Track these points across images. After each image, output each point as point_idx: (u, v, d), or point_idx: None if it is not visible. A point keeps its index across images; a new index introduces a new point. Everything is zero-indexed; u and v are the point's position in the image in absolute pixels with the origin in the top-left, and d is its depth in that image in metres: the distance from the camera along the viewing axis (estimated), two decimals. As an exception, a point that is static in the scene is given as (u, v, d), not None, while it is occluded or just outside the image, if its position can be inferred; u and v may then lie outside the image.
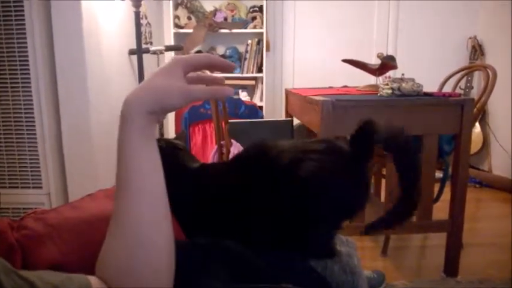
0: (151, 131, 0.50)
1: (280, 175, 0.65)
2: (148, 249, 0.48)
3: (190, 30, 3.36)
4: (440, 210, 1.83)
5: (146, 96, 0.49)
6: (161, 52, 2.79)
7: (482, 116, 3.33)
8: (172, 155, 0.83)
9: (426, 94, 1.67)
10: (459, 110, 1.59)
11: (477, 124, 3.31)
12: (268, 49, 3.49)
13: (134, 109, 0.49)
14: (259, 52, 3.46)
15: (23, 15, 1.72)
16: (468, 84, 3.34)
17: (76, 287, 0.43)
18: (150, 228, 0.48)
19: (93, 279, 0.46)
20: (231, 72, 0.59)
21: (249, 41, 3.45)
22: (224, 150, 2.12)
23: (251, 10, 3.50)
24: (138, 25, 2.31)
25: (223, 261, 0.62)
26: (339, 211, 0.67)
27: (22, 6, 1.71)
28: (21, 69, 1.76)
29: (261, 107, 3.40)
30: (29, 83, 1.77)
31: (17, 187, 1.84)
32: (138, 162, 0.49)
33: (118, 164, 0.50)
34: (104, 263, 0.49)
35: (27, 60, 1.75)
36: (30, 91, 1.78)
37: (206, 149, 2.91)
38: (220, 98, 0.53)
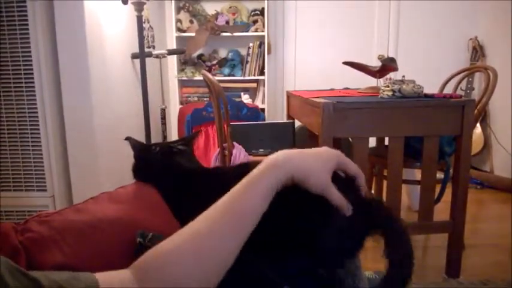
0: (278, 188, 0.54)
1: (288, 190, 0.65)
2: (206, 275, 0.49)
3: (193, 34, 3.37)
4: (442, 211, 1.84)
5: (300, 165, 0.55)
6: (164, 56, 2.81)
7: (483, 117, 3.33)
8: (167, 159, 0.84)
9: (427, 96, 1.68)
10: (460, 111, 1.59)
11: (478, 125, 3.31)
12: (269, 52, 3.50)
13: (286, 166, 0.54)
14: (261, 55, 3.47)
15: (27, 19, 1.74)
16: (469, 86, 3.34)
17: (83, 286, 0.43)
18: (226, 257, 0.51)
19: (100, 276, 0.46)
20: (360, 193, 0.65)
21: (251, 44, 3.46)
22: (226, 152, 2.13)
23: (252, 13, 3.51)
24: (140, 29, 2.33)
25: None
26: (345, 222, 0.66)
27: (25, 10, 1.73)
28: (25, 73, 1.78)
29: (262, 110, 3.41)
30: (33, 86, 1.79)
31: (22, 190, 1.85)
32: (255, 206, 0.53)
33: (241, 194, 0.53)
34: (157, 266, 0.48)
35: (31, 65, 1.77)
36: (34, 94, 1.79)
37: (208, 151, 2.93)
38: (343, 210, 0.57)
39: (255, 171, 0.55)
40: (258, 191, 0.53)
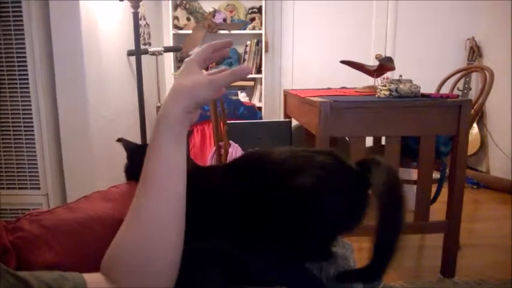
0: (182, 133, 0.53)
1: (277, 184, 0.65)
2: (160, 249, 0.49)
3: (190, 31, 3.36)
4: (438, 211, 1.84)
5: (179, 96, 0.53)
6: (160, 53, 2.79)
7: (480, 117, 3.34)
8: None
9: (423, 95, 1.68)
10: (457, 111, 1.59)
11: (475, 125, 3.32)
12: (267, 50, 3.49)
13: (170, 109, 0.52)
14: (258, 53, 3.46)
15: (21, 17, 1.72)
16: (466, 86, 3.35)
17: (71, 285, 0.43)
18: (166, 228, 0.50)
19: (88, 277, 0.46)
20: (231, 45, 0.65)
21: (248, 42, 3.46)
22: (223, 151, 2.12)
23: (250, 11, 3.50)
24: (136, 26, 2.31)
25: (219, 264, 0.62)
26: (333, 226, 0.66)
27: (20, 7, 1.71)
28: (19, 70, 1.76)
29: (259, 108, 3.40)
30: (27, 83, 1.77)
31: (15, 188, 1.84)
32: (167, 163, 0.51)
33: (147, 162, 0.52)
34: (112, 258, 0.49)
35: (25, 61, 1.76)
36: (29, 92, 1.78)
37: (205, 150, 2.92)
38: (243, 76, 0.56)
39: (153, 138, 0.53)
40: (167, 153, 0.52)
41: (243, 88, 3.56)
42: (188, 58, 0.58)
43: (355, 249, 0.81)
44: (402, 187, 0.59)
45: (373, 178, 0.62)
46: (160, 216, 0.50)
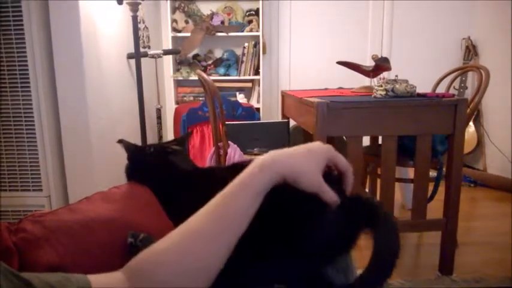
0: (268, 189, 0.54)
1: (277, 186, 0.66)
2: (196, 278, 0.50)
3: (188, 34, 3.37)
4: (435, 210, 1.85)
5: (289, 167, 0.55)
6: (159, 56, 2.81)
7: (476, 115, 3.35)
8: (162, 160, 0.85)
9: (419, 95, 1.69)
10: (452, 110, 1.61)
11: (471, 123, 3.34)
12: (264, 52, 3.51)
13: (276, 167, 0.54)
14: (256, 55, 3.48)
15: (22, 20, 1.73)
16: (462, 85, 3.36)
17: (75, 287, 0.44)
18: (215, 259, 0.51)
19: (93, 278, 0.46)
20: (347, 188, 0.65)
21: (246, 44, 3.47)
22: (222, 152, 2.14)
23: (247, 13, 3.52)
24: (135, 29, 2.32)
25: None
26: (332, 231, 0.67)
27: (20, 10, 1.73)
28: (20, 73, 1.78)
29: (258, 109, 3.42)
30: (28, 86, 1.79)
31: (17, 190, 1.85)
32: (240, 210, 0.53)
33: (231, 196, 0.53)
34: (148, 267, 0.49)
35: (26, 65, 1.77)
36: (30, 94, 1.79)
37: (204, 150, 2.93)
38: (331, 203, 0.57)
39: (244, 173, 0.55)
40: (247, 193, 0.53)
41: (241, 89, 3.58)
42: (327, 149, 0.59)
43: (355, 248, 0.82)
44: (399, 243, 0.58)
45: (376, 232, 0.60)
46: (220, 246, 0.51)
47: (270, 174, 0.54)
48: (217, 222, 0.52)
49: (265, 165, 0.55)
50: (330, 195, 0.57)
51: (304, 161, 0.56)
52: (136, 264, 0.50)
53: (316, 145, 0.59)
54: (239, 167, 0.75)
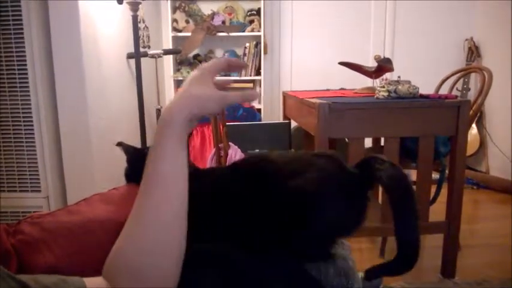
0: (185, 138, 0.54)
1: (277, 187, 0.65)
2: (162, 254, 0.49)
3: (189, 34, 3.37)
4: (437, 212, 1.84)
5: (186, 103, 0.54)
6: (159, 56, 2.80)
7: (479, 117, 3.34)
8: None
9: (422, 96, 1.68)
10: (455, 112, 1.60)
11: (474, 125, 3.33)
12: (265, 52, 3.50)
13: (176, 115, 0.53)
14: (257, 55, 3.47)
15: (21, 19, 1.73)
16: (465, 86, 3.35)
17: None
18: (167, 233, 0.50)
19: (88, 281, 0.46)
20: (245, 69, 0.67)
21: (247, 44, 3.46)
22: (222, 153, 2.12)
23: (249, 13, 3.51)
24: (136, 29, 2.32)
25: (218, 266, 0.62)
26: (332, 229, 0.67)
27: (20, 10, 1.72)
28: (19, 73, 1.77)
29: (259, 110, 3.41)
30: (27, 87, 1.78)
31: (16, 191, 1.84)
32: (169, 167, 0.52)
33: (149, 165, 0.52)
34: (114, 263, 0.49)
35: (25, 64, 1.76)
36: (29, 94, 1.78)
37: (204, 151, 2.92)
38: (251, 100, 0.58)
39: (154, 140, 0.54)
40: (166, 158, 0.52)
41: (242, 90, 3.57)
42: (202, 66, 0.59)
43: (355, 250, 0.82)
44: (407, 177, 0.61)
45: (378, 174, 0.63)
46: (163, 218, 0.50)
47: (173, 126, 0.53)
48: (154, 195, 0.51)
49: (166, 120, 0.53)
50: (236, 96, 0.56)
51: (193, 90, 0.55)
52: (106, 265, 0.50)
53: (192, 73, 0.59)
54: (241, 166, 0.75)
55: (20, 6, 1.72)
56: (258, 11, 3.45)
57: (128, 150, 0.86)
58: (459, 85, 3.23)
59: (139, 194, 0.52)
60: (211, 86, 0.56)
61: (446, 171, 1.76)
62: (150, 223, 0.50)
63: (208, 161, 2.34)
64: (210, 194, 0.72)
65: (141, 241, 0.49)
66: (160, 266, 0.48)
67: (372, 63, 2.16)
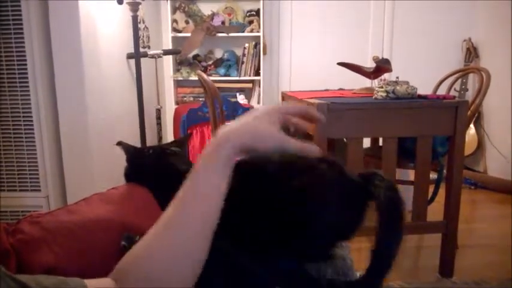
0: (231, 163, 0.54)
1: (278, 187, 0.66)
2: (186, 268, 0.49)
3: (188, 34, 3.37)
4: (435, 212, 1.85)
5: (245, 134, 0.53)
6: (159, 56, 2.80)
7: (477, 117, 3.35)
8: (160, 161, 0.84)
9: (420, 97, 1.69)
10: (453, 112, 1.61)
11: (472, 126, 3.33)
12: (265, 52, 3.50)
13: (231, 141, 0.53)
14: (257, 55, 3.47)
15: (21, 19, 1.73)
16: (463, 86, 3.36)
17: None
18: (192, 250, 0.50)
19: (89, 283, 0.46)
20: (321, 123, 0.65)
21: (246, 45, 3.46)
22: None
23: (248, 14, 3.51)
24: (135, 29, 2.32)
25: (218, 265, 0.63)
26: (332, 232, 0.67)
27: (20, 10, 1.72)
28: (19, 73, 1.77)
29: (258, 110, 3.41)
30: (27, 86, 1.78)
31: (16, 190, 1.85)
32: (211, 188, 0.52)
33: (192, 179, 0.52)
34: (132, 268, 0.49)
35: (25, 64, 1.76)
36: (29, 94, 1.79)
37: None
38: (309, 155, 0.56)
39: (203, 156, 0.53)
40: (211, 175, 0.52)
41: (241, 90, 3.57)
42: (278, 106, 0.58)
43: (355, 250, 0.82)
44: (403, 202, 0.61)
45: (375, 190, 0.63)
46: (192, 234, 0.50)
47: (227, 148, 0.52)
48: (187, 207, 0.51)
49: (220, 141, 0.53)
50: (295, 144, 0.55)
51: (256, 123, 0.54)
52: (120, 267, 0.50)
53: (264, 107, 0.58)
54: (240, 167, 0.75)
55: (20, 6, 1.72)
56: (258, 12, 3.45)
57: (128, 149, 0.86)
58: (457, 85, 3.23)
59: (173, 203, 0.52)
60: (277, 126, 0.55)
61: (444, 171, 1.76)
62: (178, 236, 0.50)
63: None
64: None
65: (167, 253, 0.49)
66: (181, 280, 0.49)
67: (370, 64, 2.16)
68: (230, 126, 0.54)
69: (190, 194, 0.51)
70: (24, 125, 1.81)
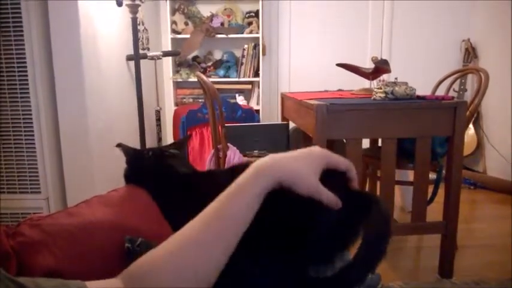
0: (264, 193, 0.54)
1: (278, 189, 0.66)
2: (202, 282, 0.49)
3: (188, 36, 3.37)
4: (435, 212, 1.85)
5: (287, 172, 0.54)
6: (159, 57, 2.81)
7: (476, 118, 3.35)
8: (160, 163, 0.85)
9: (419, 97, 1.69)
10: (452, 113, 1.61)
11: (471, 126, 3.34)
12: (264, 53, 3.51)
13: (272, 174, 0.54)
14: (256, 56, 3.48)
15: (21, 21, 1.73)
16: (462, 87, 3.37)
17: None
18: (210, 266, 0.50)
19: (90, 285, 0.46)
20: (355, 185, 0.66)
21: (246, 46, 3.47)
22: (221, 154, 2.13)
23: (247, 15, 3.52)
24: (135, 31, 2.33)
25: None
26: (334, 235, 0.67)
27: (20, 11, 1.72)
28: (19, 75, 1.77)
29: (257, 111, 3.41)
30: (27, 88, 1.78)
31: (16, 192, 1.85)
32: (241, 214, 0.52)
33: (227, 201, 0.53)
34: (145, 275, 0.48)
35: (25, 66, 1.77)
36: (28, 96, 1.79)
37: (203, 152, 2.93)
38: (332, 206, 0.57)
39: (241, 178, 0.54)
40: (244, 199, 0.53)
41: (241, 91, 3.58)
42: (326, 154, 0.59)
43: (354, 249, 0.82)
44: (390, 233, 0.60)
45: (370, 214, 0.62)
46: (213, 250, 0.51)
47: (267, 177, 0.54)
48: (214, 228, 0.51)
49: (262, 169, 0.54)
50: (327, 196, 0.56)
51: (301, 165, 0.56)
52: (134, 271, 0.49)
53: (314, 150, 0.59)
54: (239, 169, 0.75)
55: (19, 6, 1.72)
56: (257, 13, 3.46)
57: (128, 151, 0.86)
58: (456, 86, 3.24)
59: (200, 217, 0.52)
60: (317, 173, 0.56)
61: (444, 172, 1.77)
62: (205, 250, 0.50)
63: (207, 162, 2.35)
64: (209, 196, 0.73)
65: (188, 263, 0.49)
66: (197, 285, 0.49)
67: (369, 65, 2.17)
68: (275, 157, 0.56)
69: (215, 215, 0.52)
70: (24, 126, 1.81)
